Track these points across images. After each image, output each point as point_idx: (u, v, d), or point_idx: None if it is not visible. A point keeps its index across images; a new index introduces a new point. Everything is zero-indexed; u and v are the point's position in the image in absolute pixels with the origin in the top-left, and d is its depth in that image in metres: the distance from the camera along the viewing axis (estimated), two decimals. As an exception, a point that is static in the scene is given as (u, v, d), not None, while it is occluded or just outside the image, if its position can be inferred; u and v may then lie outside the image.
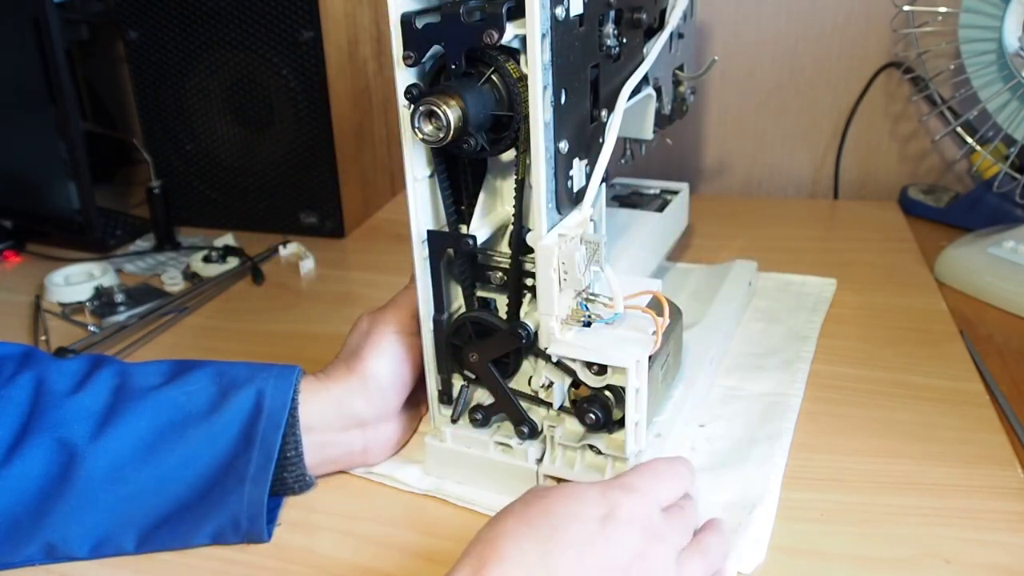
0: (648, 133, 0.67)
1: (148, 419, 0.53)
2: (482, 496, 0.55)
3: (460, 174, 0.52)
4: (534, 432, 0.54)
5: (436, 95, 0.44)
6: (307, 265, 0.94)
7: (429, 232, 0.52)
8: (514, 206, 0.50)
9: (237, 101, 0.99)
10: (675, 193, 0.81)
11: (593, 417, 0.51)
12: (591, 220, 0.51)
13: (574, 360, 0.51)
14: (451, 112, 0.44)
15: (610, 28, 0.53)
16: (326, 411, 0.55)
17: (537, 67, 0.44)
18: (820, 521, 0.52)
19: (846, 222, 1.01)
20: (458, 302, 0.55)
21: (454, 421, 0.57)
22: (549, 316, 0.50)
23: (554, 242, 0.48)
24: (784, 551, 0.50)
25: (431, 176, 0.51)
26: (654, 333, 0.50)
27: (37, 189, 0.98)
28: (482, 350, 0.53)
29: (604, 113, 0.53)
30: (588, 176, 0.52)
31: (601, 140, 0.54)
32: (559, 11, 0.45)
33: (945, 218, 0.99)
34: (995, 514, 0.52)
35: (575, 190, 0.51)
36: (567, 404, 0.53)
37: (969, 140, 0.89)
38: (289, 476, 0.55)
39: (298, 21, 0.93)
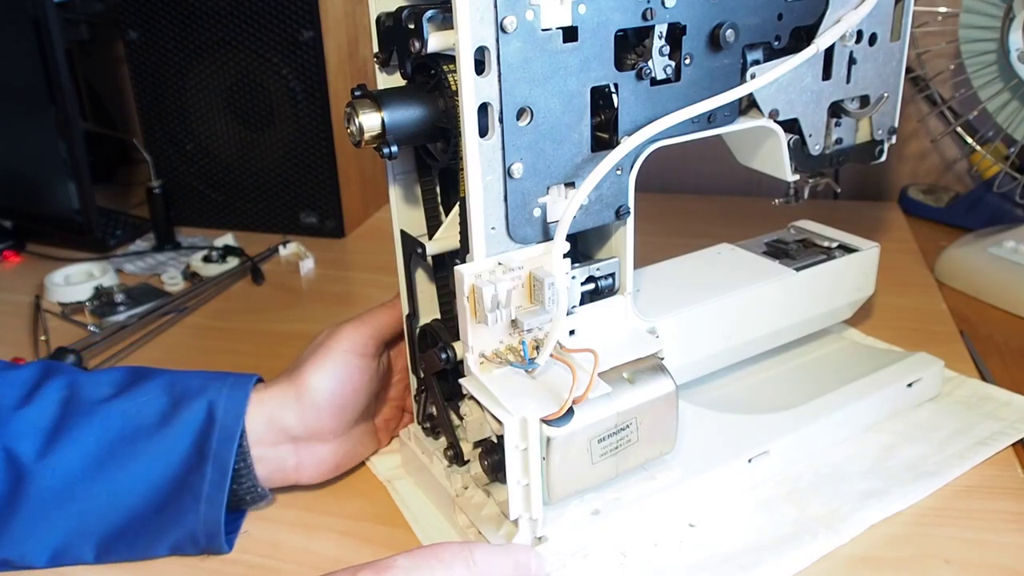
0: (786, 174, 0.57)
1: (97, 434, 0.51)
2: (420, 505, 0.55)
3: (446, 182, 0.52)
4: (458, 459, 0.52)
5: (356, 100, 0.44)
6: (307, 265, 0.94)
7: (401, 232, 0.53)
8: (460, 223, 0.47)
9: (237, 101, 0.99)
10: (852, 251, 0.64)
11: (486, 463, 0.48)
12: (566, 257, 0.46)
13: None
14: (366, 119, 0.43)
15: (656, 45, 0.47)
16: (258, 424, 0.52)
17: (466, 81, 0.41)
18: (820, 521, 0.52)
19: (846, 222, 1.00)
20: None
21: (418, 423, 0.56)
22: (464, 346, 0.46)
23: (470, 270, 0.44)
24: (784, 551, 0.50)
25: (407, 175, 0.52)
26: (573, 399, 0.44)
27: (37, 189, 0.98)
28: (426, 361, 0.51)
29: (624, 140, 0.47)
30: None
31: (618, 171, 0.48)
32: (509, 23, 0.41)
33: (945, 218, 0.99)
34: (995, 514, 0.52)
35: (548, 220, 0.46)
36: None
37: (969, 140, 0.89)
38: (240, 488, 0.53)
39: (298, 21, 0.93)
